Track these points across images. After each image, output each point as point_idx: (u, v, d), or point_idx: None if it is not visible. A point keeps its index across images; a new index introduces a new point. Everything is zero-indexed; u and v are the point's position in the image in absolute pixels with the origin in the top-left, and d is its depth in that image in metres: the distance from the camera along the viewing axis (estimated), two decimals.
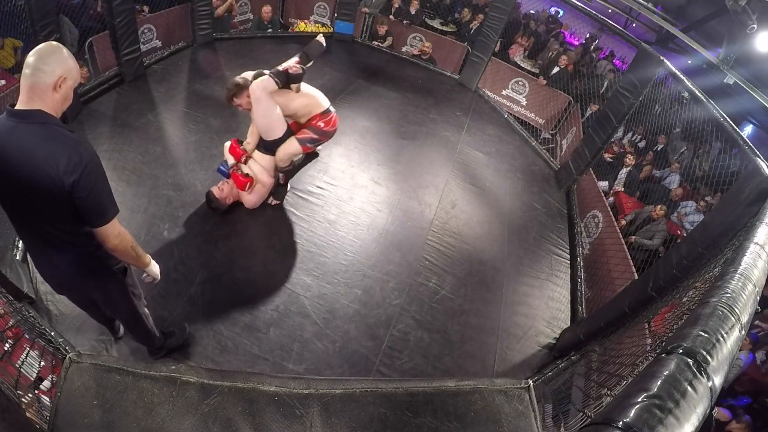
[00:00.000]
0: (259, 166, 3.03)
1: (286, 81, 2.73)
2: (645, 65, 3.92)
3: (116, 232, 1.46)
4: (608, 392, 1.92)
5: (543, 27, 8.53)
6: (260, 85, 2.68)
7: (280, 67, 2.75)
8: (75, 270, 1.55)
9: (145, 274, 1.76)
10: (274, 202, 3.32)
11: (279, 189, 3.31)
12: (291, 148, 2.93)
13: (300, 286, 2.83)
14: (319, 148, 3.22)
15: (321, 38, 2.93)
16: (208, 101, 4.23)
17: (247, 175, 3.00)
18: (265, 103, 2.74)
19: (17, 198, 1.33)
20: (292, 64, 2.80)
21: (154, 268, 1.75)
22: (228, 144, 3.09)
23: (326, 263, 3.03)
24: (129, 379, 1.65)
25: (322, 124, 2.89)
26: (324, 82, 5.03)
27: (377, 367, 2.55)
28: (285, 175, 3.21)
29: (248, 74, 2.83)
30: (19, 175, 1.26)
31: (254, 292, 2.72)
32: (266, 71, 2.75)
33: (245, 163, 3.02)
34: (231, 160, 3.04)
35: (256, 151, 3.06)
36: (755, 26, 5.33)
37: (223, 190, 3.06)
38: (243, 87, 2.76)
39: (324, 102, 2.91)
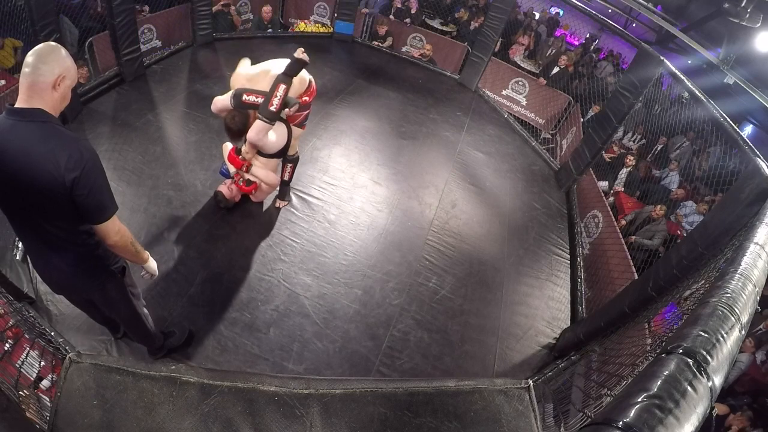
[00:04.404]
0: (263, 170, 3.00)
1: (276, 117, 2.62)
2: (645, 65, 3.92)
3: (116, 229, 1.48)
4: (608, 392, 1.92)
5: (543, 26, 8.53)
6: (260, 133, 2.60)
7: (273, 108, 2.52)
8: (74, 270, 1.56)
9: (143, 271, 1.77)
10: (282, 203, 3.31)
11: (284, 188, 3.29)
12: (296, 136, 2.97)
13: (300, 286, 2.83)
14: (318, 147, 3.20)
15: (302, 54, 2.54)
16: (208, 101, 4.15)
17: (250, 181, 2.97)
18: (269, 138, 2.68)
19: (17, 196, 1.33)
20: (281, 95, 2.53)
21: (152, 264, 1.77)
22: (227, 147, 3.04)
23: (326, 263, 3.03)
24: (129, 379, 1.65)
25: (307, 98, 2.87)
26: (324, 82, 5.03)
27: (377, 367, 2.55)
28: (292, 166, 3.16)
29: (224, 99, 2.73)
30: (20, 172, 1.26)
31: (254, 292, 2.72)
32: (247, 97, 2.60)
33: (247, 171, 2.97)
34: (232, 168, 2.99)
35: (258, 156, 3.00)
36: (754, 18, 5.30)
37: (232, 189, 3.06)
38: (244, 129, 2.69)
39: (306, 77, 2.82)
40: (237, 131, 2.68)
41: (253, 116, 2.67)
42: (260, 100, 2.57)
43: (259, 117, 2.55)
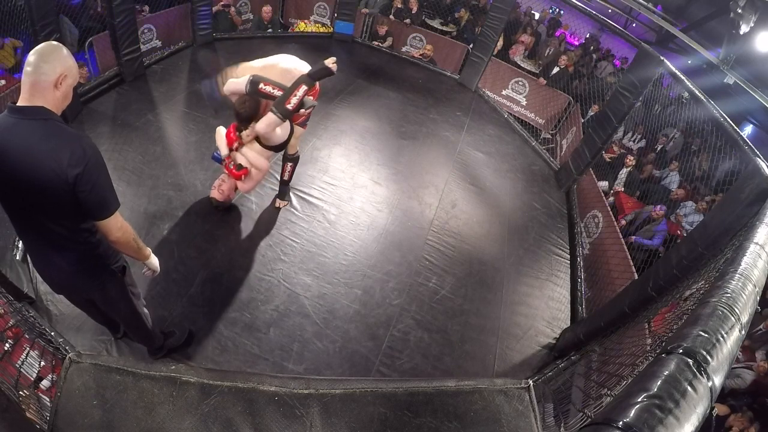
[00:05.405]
0: (255, 153, 2.90)
1: (290, 115, 2.61)
2: (645, 65, 3.92)
3: (119, 225, 1.48)
4: (608, 392, 1.92)
5: (543, 26, 8.52)
6: (269, 126, 2.59)
7: (289, 106, 2.52)
8: (75, 269, 1.56)
9: (145, 268, 1.77)
10: (282, 203, 3.30)
11: (283, 188, 3.28)
12: (297, 135, 2.94)
13: (300, 286, 2.83)
14: (318, 147, 3.18)
15: (332, 64, 2.61)
16: None
17: (241, 166, 2.93)
18: (275, 130, 2.67)
19: (19, 194, 1.33)
20: (300, 95, 2.53)
21: (154, 261, 1.77)
22: (220, 131, 2.96)
23: (326, 263, 3.03)
24: (129, 379, 1.65)
25: (311, 98, 2.81)
26: (324, 82, 4.99)
27: (377, 367, 2.55)
28: (292, 165, 3.14)
29: (239, 83, 2.66)
30: (22, 170, 1.27)
31: (254, 292, 2.72)
32: (264, 86, 2.56)
33: (237, 150, 2.87)
34: (224, 150, 2.90)
35: (255, 142, 2.90)
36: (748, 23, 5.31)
37: (223, 191, 3.03)
38: (254, 115, 2.68)
39: None
40: (246, 117, 2.66)
41: (264, 106, 2.64)
42: (276, 92, 2.55)
43: (272, 110, 2.54)
